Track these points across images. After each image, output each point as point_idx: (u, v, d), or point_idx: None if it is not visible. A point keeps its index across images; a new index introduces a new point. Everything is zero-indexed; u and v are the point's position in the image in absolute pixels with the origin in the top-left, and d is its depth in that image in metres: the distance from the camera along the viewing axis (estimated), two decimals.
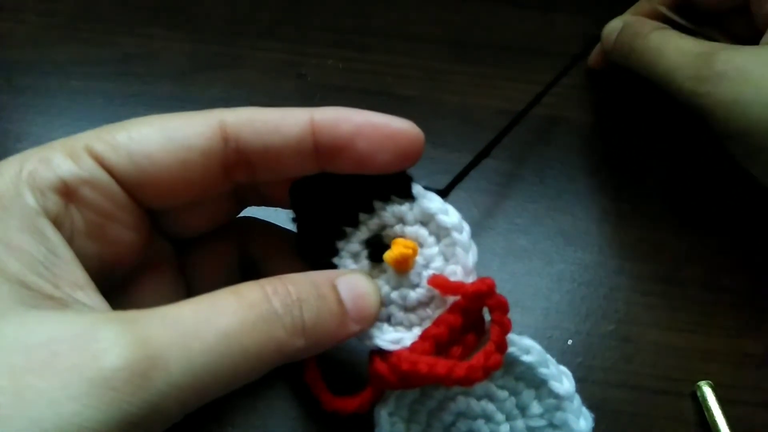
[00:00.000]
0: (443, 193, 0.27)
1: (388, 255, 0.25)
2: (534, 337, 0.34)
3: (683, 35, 0.35)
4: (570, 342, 0.35)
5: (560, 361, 0.34)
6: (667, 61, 0.34)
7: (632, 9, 0.41)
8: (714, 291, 0.36)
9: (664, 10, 0.39)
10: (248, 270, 0.30)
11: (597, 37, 0.42)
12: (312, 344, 0.22)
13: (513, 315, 0.35)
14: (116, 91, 0.42)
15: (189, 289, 0.28)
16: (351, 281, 0.24)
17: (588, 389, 0.33)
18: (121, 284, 0.24)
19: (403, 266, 0.25)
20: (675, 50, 0.34)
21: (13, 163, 0.21)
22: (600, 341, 0.35)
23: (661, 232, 0.38)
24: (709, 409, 0.32)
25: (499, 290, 0.35)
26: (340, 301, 0.23)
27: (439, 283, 0.25)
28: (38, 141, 0.41)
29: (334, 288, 0.23)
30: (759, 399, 0.33)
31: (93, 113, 0.41)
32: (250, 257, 0.30)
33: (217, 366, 0.18)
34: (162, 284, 0.26)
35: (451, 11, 0.46)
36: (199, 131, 0.23)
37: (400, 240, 0.25)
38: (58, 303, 0.19)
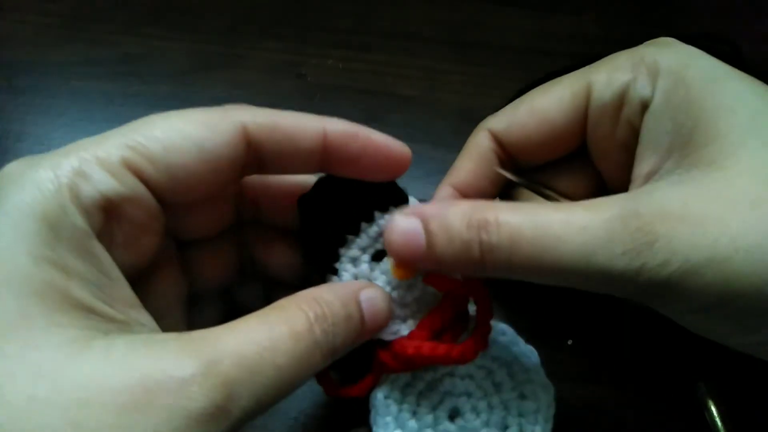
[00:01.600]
0: None
1: (397, 270, 0.27)
2: (534, 337, 0.34)
3: (542, 204, 0.27)
4: (570, 342, 0.35)
5: (560, 361, 0.34)
6: (570, 251, 0.22)
7: (451, 179, 0.31)
8: None
9: (501, 170, 0.30)
10: (246, 263, 0.31)
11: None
12: (336, 359, 0.24)
13: (513, 315, 0.35)
14: (116, 91, 0.42)
15: (191, 284, 0.29)
16: (371, 297, 0.26)
17: (588, 389, 0.33)
18: (131, 282, 0.25)
19: (408, 278, 0.28)
20: (570, 229, 0.23)
21: (46, 173, 0.21)
22: (600, 341, 0.35)
23: None
24: (709, 409, 0.32)
25: (499, 290, 0.36)
26: (363, 318, 0.25)
27: (434, 280, 0.28)
28: (38, 141, 0.41)
29: (359, 305, 0.26)
30: (759, 399, 0.33)
31: (93, 113, 0.42)
32: (249, 252, 0.31)
33: (275, 394, 0.21)
34: (167, 281, 0.27)
35: (451, 11, 0.46)
36: (227, 140, 0.24)
37: None
38: (123, 325, 0.21)
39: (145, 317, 0.22)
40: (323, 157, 0.26)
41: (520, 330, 0.34)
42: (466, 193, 0.30)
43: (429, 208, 0.25)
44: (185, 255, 0.29)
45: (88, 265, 0.21)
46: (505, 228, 0.23)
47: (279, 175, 0.28)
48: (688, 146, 0.24)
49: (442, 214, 0.25)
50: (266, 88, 0.43)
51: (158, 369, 0.19)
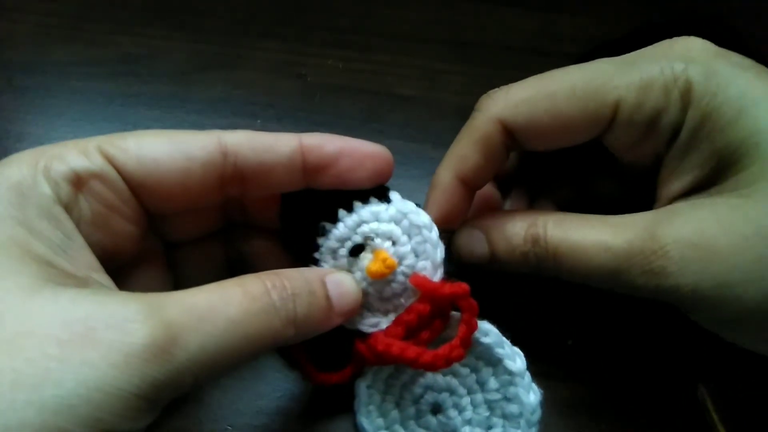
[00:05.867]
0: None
1: (369, 269, 0.28)
2: (534, 338, 0.34)
3: (578, 219, 0.28)
4: (570, 342, 0.35)
5: (560, 361, 0.34)
6: (598, 266, 0.27)
7: (456, 169, 0.30)
8: None
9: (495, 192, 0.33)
10: (234, 262, 0.32)
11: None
12: (301, 333, 0.25)
13: (513, 315, 0.35)
14: (116, 91, 0.42)
15: (177, 282, 0.29)
16: (338, 280, 0.27)
17: (588, 389, 0.33)
18: (114, 275, 0.26)
19: (381, 278, 0.28)
20: (597, 249, 0.26)
21: (28, 156, 0.23)
22: (600, 341, 0.35)
23: None
24: (709, 410, 0.32)
25: (499, 291, 0.36)
26: (327, 296, 0.26)
27: (420, 282, 0.28)
28: (38, 141, 0.41)
29: (324, 285, 0.26)
30: (758, 399, 0.33)
31: (93, 113, 0.41)
32: (236, 251, 0.31)
33: (225, 347, 0.21)
34: (152, 276, 0.28)
35: (451, 11, 0.46)
36: (201, 145, 0.26)
37: (381, 253, 0.28)
38: (80, 281, 0.22)
39: (107, 281, 0.23)
40: (305, 166, 0.27)
41: (521, 330, 0.34)
42: (468, 182, 0.30)
43: (489, 220, 0.30)
44: (173, 255, 0.30)
45: (52, 227, 0.22)
46: (550, 243, 0.28)
47: (263, 194, 0.28)
48: (712, 176, 0.27)
49: (502, 227, 0.29)
50: (266, 88, 0.43)
51: (102, 310, 0.20)
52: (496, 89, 0.30)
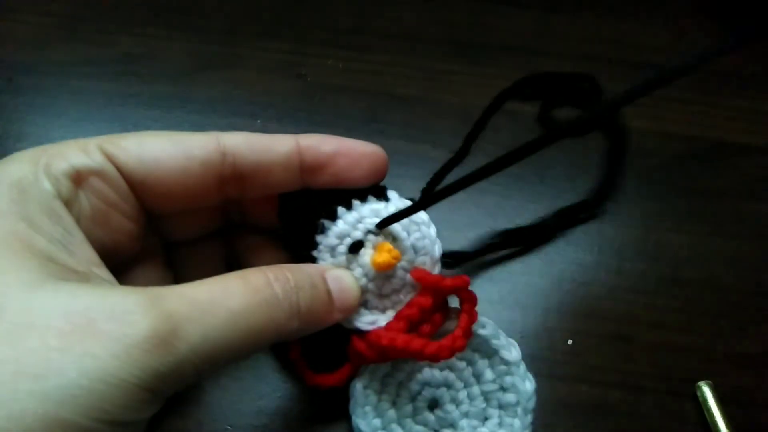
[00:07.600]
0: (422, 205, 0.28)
1: (375, 260, 0.28)
2: (534, 337, 0.34)
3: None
4: (570, 342, 0.35)
5: (560, 361, 0.34)
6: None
7: None
8: (714, 291, 0.36)
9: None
10: (232, 262, 0.32)
11: None
12: (304, 327, 0.25)
13: (513, 315, 0.35)
14: (116, 91, 0.42)
15: (176, 281, 0.29)
16: (338, 276, 0.27)
17: (588, 389, 0.33)
18: (114, 274, 0.26)
19: (386, 270, 0.28)
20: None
21: (30, 154, 0.24)
22: (600, 341, 0.35)
23: (661, 232, 0.38)
24: (709, 409, 0.32)
25: (498, 290, 0.36)
26: (329, 291, 0.26)
27: (421, 276, 0.28)
28: (38, 141, 0.41)
29: (325, 280, 0.26)
30: (759, 399, 0.33)
31: (93, 113, 0.41)
32: (235, 251, 0.32)
33: (227, 339, 0.22)
34: (151, 275, 0.28)
35: (451, 11, 0.46)
36: (200, 144, 0.26)
37: (385, 245, 0.28)
38: (81, 276, 0.22)
39: (107, 276, 0.23)
40: (303, 165, 0.27)
41: (521, 329, 0.34)
42: None
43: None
44: (172, 254, 0.30)
45: (52, 223, 0.22)
46: None
47: (261, 194, 0.28)
48: None
49: None
50: (266, 88, 0.43)
51: (103, 302, 0.20)
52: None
